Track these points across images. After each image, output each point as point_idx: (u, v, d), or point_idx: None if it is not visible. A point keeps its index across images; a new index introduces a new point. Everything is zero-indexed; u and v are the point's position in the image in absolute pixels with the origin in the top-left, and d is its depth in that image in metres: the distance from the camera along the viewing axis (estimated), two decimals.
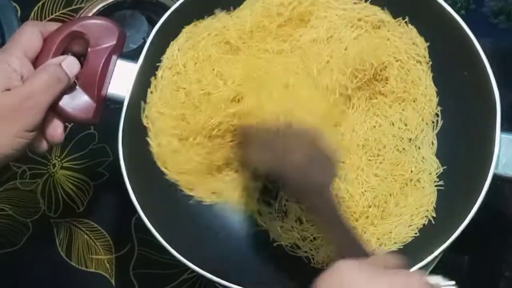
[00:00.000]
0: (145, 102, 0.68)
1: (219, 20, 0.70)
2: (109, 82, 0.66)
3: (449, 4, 0.67)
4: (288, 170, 0.60)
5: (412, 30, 0.71)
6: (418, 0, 0.69)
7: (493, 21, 0.92)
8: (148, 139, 0.68)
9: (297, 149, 0.60)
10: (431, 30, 0.70)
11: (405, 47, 0.70)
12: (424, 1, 0.68)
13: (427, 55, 0.71)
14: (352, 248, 0.57)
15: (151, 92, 0.69)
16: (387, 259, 0.54)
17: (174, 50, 0.70)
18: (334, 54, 0.68)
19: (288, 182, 0.62)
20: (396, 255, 0.55)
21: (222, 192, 0.70)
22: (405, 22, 0.71)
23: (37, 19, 0.95)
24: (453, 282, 0.52)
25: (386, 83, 0.71)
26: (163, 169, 0.69)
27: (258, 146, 0.63)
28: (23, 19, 0.94)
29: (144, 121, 0.68)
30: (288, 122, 0.62)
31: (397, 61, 0.70)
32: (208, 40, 0.69)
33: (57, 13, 0.95)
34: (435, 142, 0.71)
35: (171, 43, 0.70)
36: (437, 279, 0.51)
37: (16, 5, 0.94)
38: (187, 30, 0.70)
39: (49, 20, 0.94)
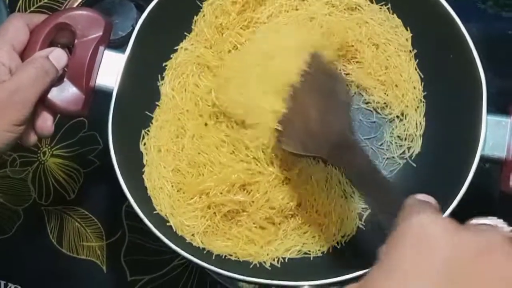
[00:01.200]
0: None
1: (194, 49, 0.71)
2: (97, 73, 0.66)
3: None
4: (311, 133, 0.59)
5: (394, 19, 0.71)
6: None
7: (481, 6, 0.92)
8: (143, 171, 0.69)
9: (312, 100, 0.60)
10: (417, 13, 0.70)
11: (385, 34, 0.71)
12: None
13: (409, 44, 0.71)
14: (391, 204, 0.51)
15: (154, 121, 0.71)
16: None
17: (169, 91, 0.71)
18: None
19: (319, 147, 0.59)
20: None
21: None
22: (388, 8, 0.72)
23: (25, 6, 0.94)
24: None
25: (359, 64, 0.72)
26: (155, 205, 0.69)
27: (288, 132, 0.62)
28: (12, 5, 0.93)
29: (142, 148, 0.69)
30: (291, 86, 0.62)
31: (373, 45, 0.71)
32: (195, 74, 0.71)
33: (46, 0, 0.94)
34: (423, 123, 0.71)
35: (162, 82, 0.71)
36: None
37: None
38: (171, 66, 0.71)
39: (38, 7, 0.94)
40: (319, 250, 0.68)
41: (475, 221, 0.43)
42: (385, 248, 0.40)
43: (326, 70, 0.63)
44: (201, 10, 0.72)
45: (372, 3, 0.72)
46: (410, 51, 0.71)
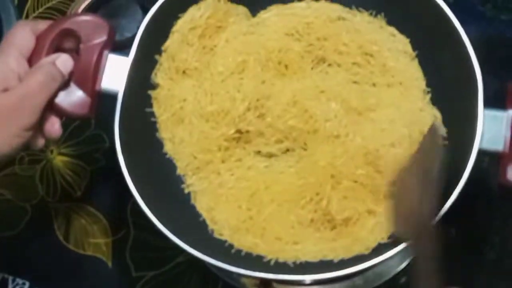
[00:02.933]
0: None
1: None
2: (102, 77, 0.67)
3: None
4: (411, 217, 0.61)
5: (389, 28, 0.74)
6: None
7: (480, 9, 0.93)
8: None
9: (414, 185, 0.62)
10: (416, 12, 0.72)
11: (380, 39, 0.73)
12: None
13: (409, 48, 0.73)
14: None
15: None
16: None
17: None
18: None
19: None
20: None
21: None
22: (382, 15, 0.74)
23: (34, 8, 0.96)
24: None
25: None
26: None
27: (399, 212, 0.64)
28: (20, 7, 0.95)
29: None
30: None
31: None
32: None
33: (54, 1, 0.96)
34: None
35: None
36: None
37: None
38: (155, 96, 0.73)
39: (47, 8, 0.96)
40: (344, 257, 0.68)
41: None
42: None
43: (436, 147, 0.65)
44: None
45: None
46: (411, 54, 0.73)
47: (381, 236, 0.67)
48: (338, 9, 0.74)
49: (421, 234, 0.59)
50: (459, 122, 0.68)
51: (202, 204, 0.71)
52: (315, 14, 0.74)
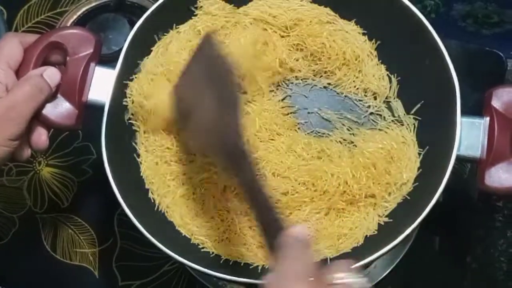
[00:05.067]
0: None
1: None
2: (89, 89, 0.68)
3: (419, 8, 0.70)
4: (205, 133, 0.59)
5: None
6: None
7: (461, 24, 0.95)
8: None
9: (203, 90, 0.59)
10: (395, 25, 0.72)
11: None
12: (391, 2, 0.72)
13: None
14: (273, 225, 0.53)
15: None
16: (300, 250, 0.50)
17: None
18: None
19: (213, 149, 0.60)
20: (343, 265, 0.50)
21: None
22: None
23: (23, 22, 0.97)
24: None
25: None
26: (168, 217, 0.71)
27: (182, 109, 0.63)
28: (9, 21, 0.96)
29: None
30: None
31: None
32: None
33: (43, 16, 0.98)
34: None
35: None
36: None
37: (2, 8, 0.97)
38: None
39: (35, 22, 0.97)
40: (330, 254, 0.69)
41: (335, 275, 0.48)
42: None
43: (218, 54, 0.61)
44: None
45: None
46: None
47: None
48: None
49: (232, 155, 0.57)
50: (438, 130, 0.69)
51: (177, 221, 0.71)
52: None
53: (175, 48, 0.72)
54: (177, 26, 0.74)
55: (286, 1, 0.74)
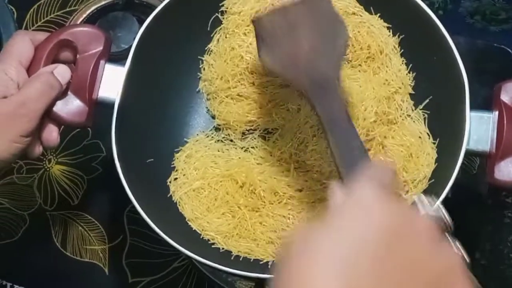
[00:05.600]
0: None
1: None
2: (99, 86, 0.68)
3: (427, 4, 0.70)
4: (298, 63, 0.58)
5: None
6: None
7: (469, 21, 0.95)
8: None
9: (305, 27, 0.59)
10: (404, 21, 0.73)
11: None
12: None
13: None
14: (352, 156, 0.53)
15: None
16: (384, 174, 0.47)
17: None
18: None
19: (298, 78, 0.59)
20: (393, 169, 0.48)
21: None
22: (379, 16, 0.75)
23: (32, 21, 0.98)
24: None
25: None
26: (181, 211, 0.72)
27: (269, 40, 0.61)
28: (19, 21, 0.97)
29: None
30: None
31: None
32: None
33: (52, 15, 0.98)
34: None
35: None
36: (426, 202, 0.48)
37: (12, 7, 0.97)
38: None
39: (45, 21, 0.98)
40: None
41: (416, 198, 0.47)
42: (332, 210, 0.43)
43: (328, 12, 0.61)
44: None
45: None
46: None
47: None
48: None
49: (320, 88, 0.57)
50: (447, 125, 0.69)
51: (188, 214, 0.72)
52: None
53: None
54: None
55: None
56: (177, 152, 0.75)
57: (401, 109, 0.72)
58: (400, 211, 0.42)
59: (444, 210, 0.47)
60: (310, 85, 0.58)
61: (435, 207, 0.47)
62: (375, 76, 0.73)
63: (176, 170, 0.74)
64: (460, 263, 0.41)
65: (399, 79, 0.73)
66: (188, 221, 0.71)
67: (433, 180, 0.69)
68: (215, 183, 0.72)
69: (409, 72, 0.74)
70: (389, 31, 0.74)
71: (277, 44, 0.60)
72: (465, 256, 0.44)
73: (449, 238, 0.45)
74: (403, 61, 0.74)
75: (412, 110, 0.73)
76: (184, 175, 0.73)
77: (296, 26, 0.59)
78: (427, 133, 0.71)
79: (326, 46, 0.59)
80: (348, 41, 0.59)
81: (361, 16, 0.74)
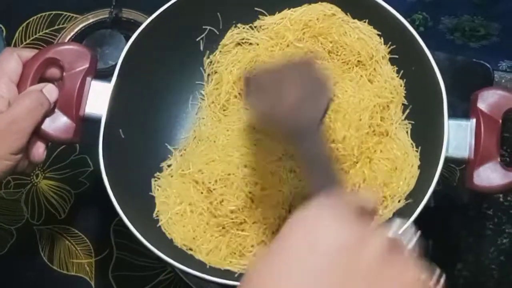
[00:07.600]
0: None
1: None
2: (86, 103, 0.69)
3: (408, 22, 0.72)
4: (282, 110, 0.60)
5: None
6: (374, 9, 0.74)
7: (449, 37, 0.97)
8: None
9: (292, 85, 0.61)
10: (387, 34, 0.75)
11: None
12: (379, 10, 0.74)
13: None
14: (327, 182, 0.55)
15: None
16: (363, 200, 0.51)
17: None
18: None
19: (281, 123, 0.61)
20: (373, 196, 0.52)
21: None
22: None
23: (21, 39, 0.99)
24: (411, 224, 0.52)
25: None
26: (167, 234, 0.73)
27: (257, 91, 0.63)
28: (8, 39, 0.98)
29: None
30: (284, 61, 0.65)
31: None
32: None
33: (41, 33, 0.99)
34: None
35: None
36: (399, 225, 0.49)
37: (1, 25, 0.99)
38: None
39: (34, 39, 0.99)
40: None
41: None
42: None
43: (315, 76, 0.63)
44: None
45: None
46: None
47: None
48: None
49: (304, 134, 0.58)
50: (427, 133, 0.71)
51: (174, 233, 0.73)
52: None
53: None
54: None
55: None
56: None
57: (392, 120, 0.74)
58: (351, 230, 0.45)
59: (414, 231, 0.49)
60: (295, 130, 0.59)
61: (405, 228, 0.49)
62: (370, 85, 0.75)
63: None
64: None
65: (393, 87, 0.74)
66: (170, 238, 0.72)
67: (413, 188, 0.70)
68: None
69: (401, 80, 0.75)
70: (380, 38, 0.76)
71: (264, 92, 0.62)
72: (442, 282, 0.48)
73: (427, 264, 0.48)
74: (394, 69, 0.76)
75: (401, 121, 0.74)
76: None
77: (284, 82, 0.62)
78: (411, 143, 0.73)
79: (310, 99, 0.60)
80: (331, 101, 0.61)
81: (340, 16, 0.76)
